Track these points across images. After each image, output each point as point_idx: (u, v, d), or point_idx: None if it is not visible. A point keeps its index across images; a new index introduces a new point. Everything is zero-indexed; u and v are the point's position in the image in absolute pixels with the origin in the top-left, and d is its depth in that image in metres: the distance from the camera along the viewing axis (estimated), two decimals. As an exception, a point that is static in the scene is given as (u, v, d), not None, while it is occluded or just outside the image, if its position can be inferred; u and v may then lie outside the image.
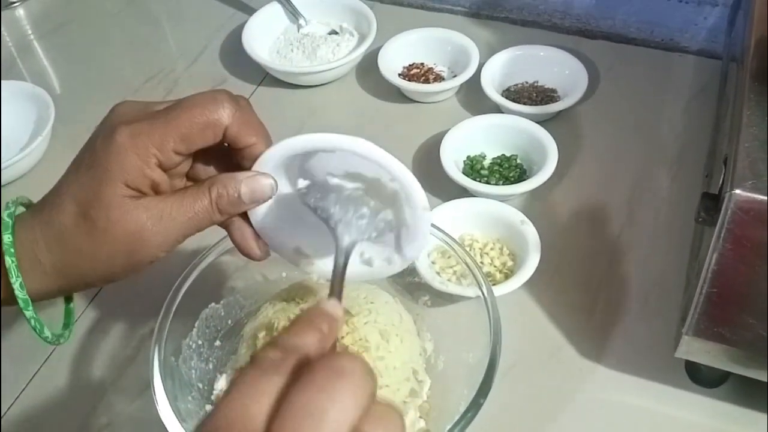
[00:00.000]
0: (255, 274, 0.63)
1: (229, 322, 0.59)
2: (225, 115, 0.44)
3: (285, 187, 0.48)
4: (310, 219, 0.47)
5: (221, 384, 0.55)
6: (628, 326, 0.63)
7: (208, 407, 0.54)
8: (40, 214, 0.44)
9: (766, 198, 0.44)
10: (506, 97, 0.80)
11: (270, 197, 0.46)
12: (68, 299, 0.53)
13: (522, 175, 0.73)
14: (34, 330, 0.46)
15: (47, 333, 0.48)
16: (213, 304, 0.58)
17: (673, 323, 0.58)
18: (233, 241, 0.49)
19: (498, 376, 0.50)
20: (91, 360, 0.64)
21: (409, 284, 0.61)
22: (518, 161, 0.74)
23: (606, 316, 0.64)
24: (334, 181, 0.46)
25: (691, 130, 0.78)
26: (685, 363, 0.58)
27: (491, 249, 0.67)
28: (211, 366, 0.57)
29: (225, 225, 0.48)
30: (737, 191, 0.45)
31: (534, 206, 0.72)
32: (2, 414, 0.61)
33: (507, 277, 0.64)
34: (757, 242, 0.46)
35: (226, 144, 0.46)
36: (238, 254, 0.61)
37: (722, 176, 0.49)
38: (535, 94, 0.81)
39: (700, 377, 0.58)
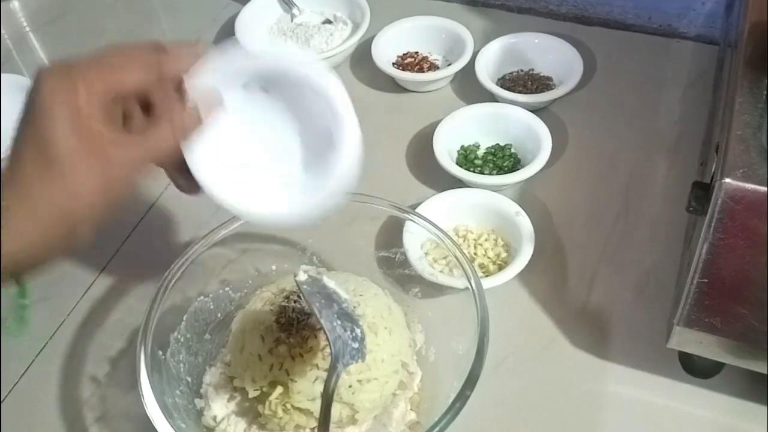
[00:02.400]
0: (247, 267, 0.63)
1: (219, 315, 0.59)
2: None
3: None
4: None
5: (210, 378, 0.55)
6: (622, 317, 0.62)
7: (197, 401, 0.54)
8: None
9: (757, 187, 0.44)
10: (501, 86, 0.79)
11: (220, 104, 0.44)
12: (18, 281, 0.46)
13: (516, 165, 0.73)
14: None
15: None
16: (202, 297, 0.58)
17: (667, 313, 0.57)
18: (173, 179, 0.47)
19: (491, 368, 0.50)
20: (85, 352, 0.64)
21: (400, 276, 0.61)
22: (512, 150, 0.74)
23: (600, 307, 0.63)
24: (331, 285, 0.47)
25: (688, 118, 0.76)
26: (678, 354, 0.58)
27: (485, 240, 0.67)
28: (200, 359, 0.56)
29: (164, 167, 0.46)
30: (727, 180, 0.44)
31: (528, 196, 0.71)
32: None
33: (501, 268, 0.64)
34: (749, 232, 0.45)
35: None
36: (230, 246, 0.61)
37: (714, 164, 0.48)
38: (530, 83, 0.80)
39: (694, 368, 0.57)
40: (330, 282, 0.47)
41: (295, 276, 0.47)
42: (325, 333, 0.46)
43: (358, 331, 0.46)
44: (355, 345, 0.45)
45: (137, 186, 0.43)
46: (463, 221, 0.68)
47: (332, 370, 0.45)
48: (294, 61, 0.45)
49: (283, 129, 0.46)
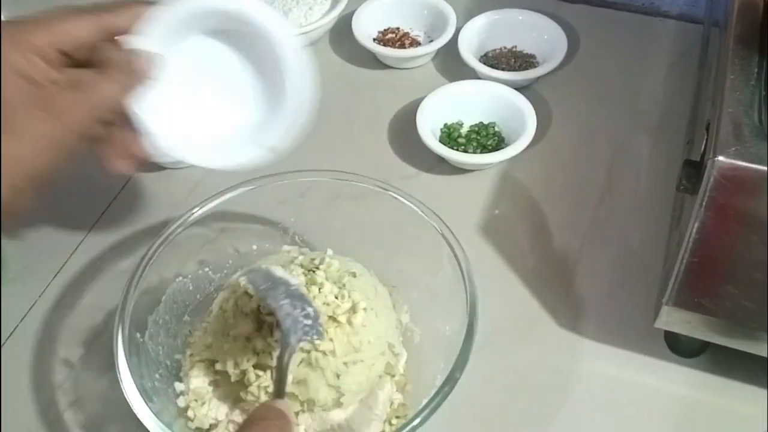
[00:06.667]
0: (226, 247, 0.62)
1: (198, 296, 0.57)
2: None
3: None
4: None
5: (189, 361, 0.54)
6: (607, 296, 0.62)
7: (177, 384, 0.53)
8: None
9: (750, 165, 0.43)
10: (484, 63, 0.78)
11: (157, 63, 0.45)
12: None
13: (500, 143, 0.72)
14: None
15: None
16: (180, 277, 0.56)
17: (653, 293, 0.57)
18: (112, 146, 0.47)
19: (475, 348, 0.49)
20: (58, 335, 0.62)
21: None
22: (496, 129, 0.73)
23: (585, 287, 0.63)
24: (279, 272, 0.49)
25: (672, 96, 0.76)
26: (664, 333, 0.57)
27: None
28: (179, 342, 0.55)
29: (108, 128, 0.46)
30: (720, 158, 0.44)
31: (512, 175, 0.70)
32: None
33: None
34: (740, 210, 0.45)
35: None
36: (208, 226, 0.60)
37: (704, 143, 0.48)
38: (513, 60, 0.79)
39: (679, 347, 0.57)
40: (278, 271, 0.50)
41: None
42: (273, 312, 0.47)
43: (310, 309, 0.47)
44: (308, 322, 0.46)
45: (82, 147, 0.43)
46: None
47: (284, 346, 0.45)
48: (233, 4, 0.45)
49: (237, 74, 0.48)
